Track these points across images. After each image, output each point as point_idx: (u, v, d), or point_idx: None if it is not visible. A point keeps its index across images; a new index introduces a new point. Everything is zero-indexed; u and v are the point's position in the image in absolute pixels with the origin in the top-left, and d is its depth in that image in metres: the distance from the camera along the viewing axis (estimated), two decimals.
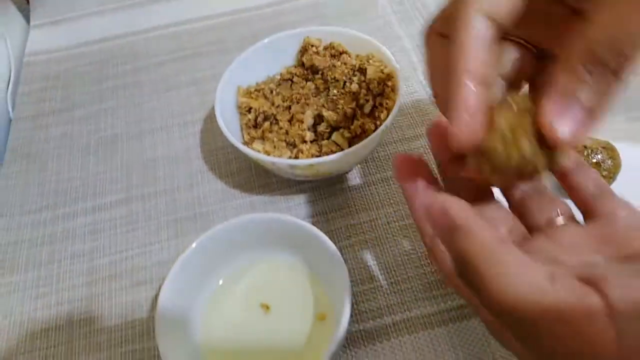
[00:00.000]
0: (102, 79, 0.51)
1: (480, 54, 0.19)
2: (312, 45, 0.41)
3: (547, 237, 0.21)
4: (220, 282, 0.33)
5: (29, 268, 0.37)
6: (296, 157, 0.35)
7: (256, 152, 0.34)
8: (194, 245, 0.30)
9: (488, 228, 0.18)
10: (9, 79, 0.52)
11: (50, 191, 0.42)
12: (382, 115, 0.35)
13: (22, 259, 0.38)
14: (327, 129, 0.36)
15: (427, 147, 0.40)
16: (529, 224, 0.22)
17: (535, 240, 0.21)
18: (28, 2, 0.60)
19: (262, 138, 0.37)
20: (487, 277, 0.16)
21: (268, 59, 0.41)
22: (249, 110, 0.39)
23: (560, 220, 0.22)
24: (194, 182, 0.41)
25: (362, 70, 0.37)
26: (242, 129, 0.39)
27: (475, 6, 0.19)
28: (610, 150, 0.33)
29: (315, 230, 0.30)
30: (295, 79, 0.41)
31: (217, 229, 0.31)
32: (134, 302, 0.35)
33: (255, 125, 0.38)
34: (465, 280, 0.18)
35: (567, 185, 0.23)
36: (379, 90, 0.36)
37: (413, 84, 0.44)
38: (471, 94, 0.19)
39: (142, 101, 0.48)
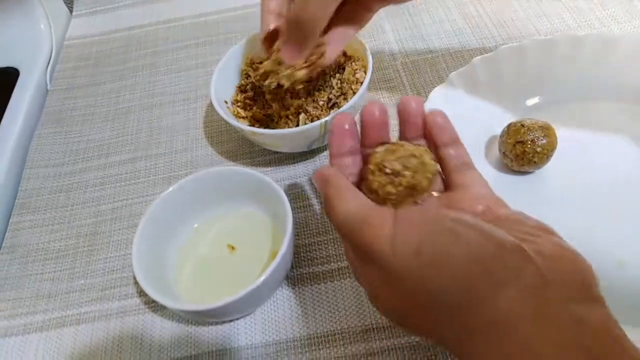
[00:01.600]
0: (126, 60, 0.58)
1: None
2: None
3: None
4: (196, 225, 0.39)
5: (47, 209, 0.45)
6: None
7: (225, 113, 0.39)
8: (171, 188, 0.36)
9: (343, 180, 0.25)
10: (50, 58, 0.60)
11: (72, 150, 0.49)
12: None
13: (43, 202, 0.45)
14: (309, 118, 0.41)
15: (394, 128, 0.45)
16: None
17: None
18: None
19: (244, 104, 0.42)
20: (332, 202, 0.24)
21: None
22: (247, 77, 0.45)
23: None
24: (189, 148, 0.47)
25: (343, 68, 0.42)
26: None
27: None
28: (546, 129, 0.37)
29: (272, 182, 0.35)
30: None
31: (192, 175, 0.37)
32: (128, 240, 0.41)
33: (245, 91, 0.44)
34: (325, 210, 0.25)
35: (438, 157, 0.28)
36: (355, 89, 0.41)
37: (390, 72, 0.49)
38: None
39: (156, 79, 0.55)
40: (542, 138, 0.36)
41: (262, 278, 0.31)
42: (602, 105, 0.42)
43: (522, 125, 0.37)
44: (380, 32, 0.54)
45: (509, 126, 0.38)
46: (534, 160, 0.37)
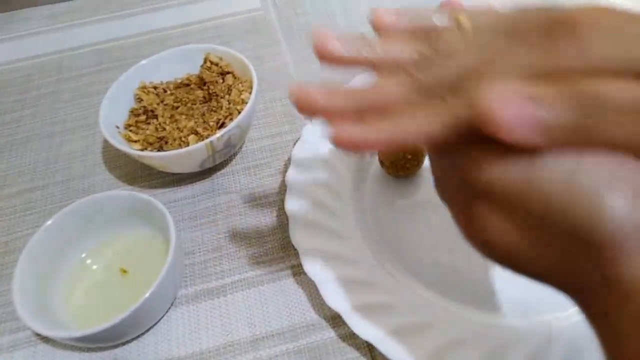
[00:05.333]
0: (28, 90, 0.57)
1: None
2: (209, 61, 0.48)
3: None
4: (84, 254, 0.39)
5: None
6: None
7: (113, 137, 0.40)
8: (50, 221, 0.36)
9: None
10: None
11: None
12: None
13: None
14: (200, 139, 0.42)
15: (289, 144, 0.47)
16: None
17: None
18: None
19: (137, 128, 0.43)
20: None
21: (177, 64, 0.48)
22: (140, 100, 0.45)
23: None
24: (87, 174, 0.47)
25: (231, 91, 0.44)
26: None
27: None
28: None
29: (157, 203, 0.36)
30: (192, 85, 0.47)
31: (74, 204, 0.37)
32: None
33: (137, 115, 0.44)
34: None
35: None
36: (240, 109, 0.43)
37: (286, 91, 0.52)
38: None
39: (59, 107, 0.54)
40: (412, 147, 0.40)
41: (144, 298, 0.31)
42: None
43: None
44: (279, 54, 0.56)
45: None
46: (406, 167, 0.40)
